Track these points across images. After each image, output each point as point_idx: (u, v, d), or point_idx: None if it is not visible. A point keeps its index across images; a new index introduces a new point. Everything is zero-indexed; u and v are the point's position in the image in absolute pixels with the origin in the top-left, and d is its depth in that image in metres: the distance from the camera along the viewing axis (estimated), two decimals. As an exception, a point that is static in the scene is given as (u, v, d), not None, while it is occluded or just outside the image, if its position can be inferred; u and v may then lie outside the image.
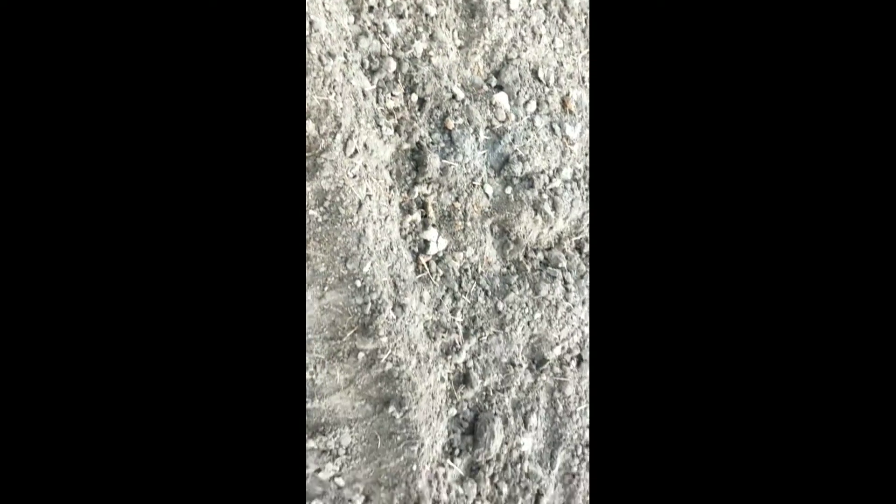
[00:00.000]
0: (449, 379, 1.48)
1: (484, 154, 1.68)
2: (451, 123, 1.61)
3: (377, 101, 1.48)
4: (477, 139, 1.65)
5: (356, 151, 1.32)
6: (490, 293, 1.67)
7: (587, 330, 1.81)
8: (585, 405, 1.70)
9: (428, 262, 1.55)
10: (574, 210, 1.87)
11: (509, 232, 1.76)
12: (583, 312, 1.81)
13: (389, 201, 1.48)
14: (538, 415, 1.61)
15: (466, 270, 1.64)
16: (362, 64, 1.45)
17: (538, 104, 1.81)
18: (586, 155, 1.91)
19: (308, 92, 1.19)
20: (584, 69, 1.99)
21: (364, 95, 1.41)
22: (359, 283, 1.28)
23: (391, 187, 1.50)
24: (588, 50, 2.02)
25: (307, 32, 1.21)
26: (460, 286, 1.61)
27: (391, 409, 1.25)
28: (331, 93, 1.23)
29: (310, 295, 1.26)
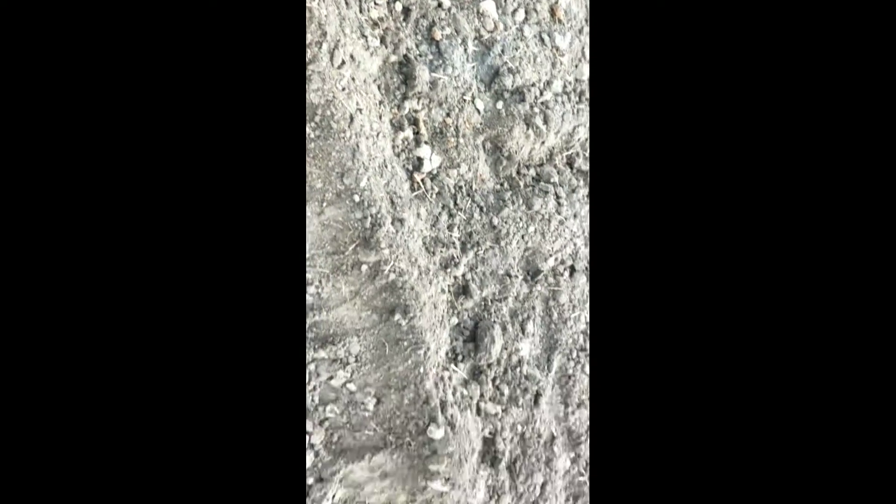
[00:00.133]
0: (449, 291, 1.53)
1: (473, 67, 1.63)
2: (438, 34, 1.55)
3: (360, 11, 1.41)
4: (465, 50, 1.60)
5: (343, 62, 1.28)
6: (485, 209, 1.69)
7: (579, 242, 1.85)
8: (579, 312, 1.78)
9: (423, 180, 1.55)
10: (565, 124, 1.86)
11: (502, 148, 1.75)
12: (574, 225, 1.85)
13: (380, 117, 1.45)
14: (534, 322, 1.68)
15: (461, 188, 1.65)
16: (343, -32, 1.38)
17: (526, 13, 1.74)
18: (576, 66, 1.88)
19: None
20: (573, -27, 1.91)
21: (347, 3, 1.34)
22: (357, 198, 1.29)
23: (381, 102, 1.47)
24: (577, -48, 1.93)
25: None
26: (456, 203, 1.63)
27: (397, 316, 1.30)
28: (314, -3, 1.17)
29: (309, 211, 1.26)
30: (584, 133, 1.93)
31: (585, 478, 1.67)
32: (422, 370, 1.31)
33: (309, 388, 1.25)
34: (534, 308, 1.70)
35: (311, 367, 1.26)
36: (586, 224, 1.89)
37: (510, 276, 1.67)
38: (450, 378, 1.41)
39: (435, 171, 1.59)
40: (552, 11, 1.82)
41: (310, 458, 1.24)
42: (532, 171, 1.83)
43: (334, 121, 1.28)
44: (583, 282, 1.82)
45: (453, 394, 1.40)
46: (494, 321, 1.58)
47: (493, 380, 1.55)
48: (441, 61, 1.55)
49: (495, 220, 1.69)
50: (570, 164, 1.93)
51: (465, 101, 1.62)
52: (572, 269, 1.81)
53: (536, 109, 1.79)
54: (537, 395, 1.62)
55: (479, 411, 1.48)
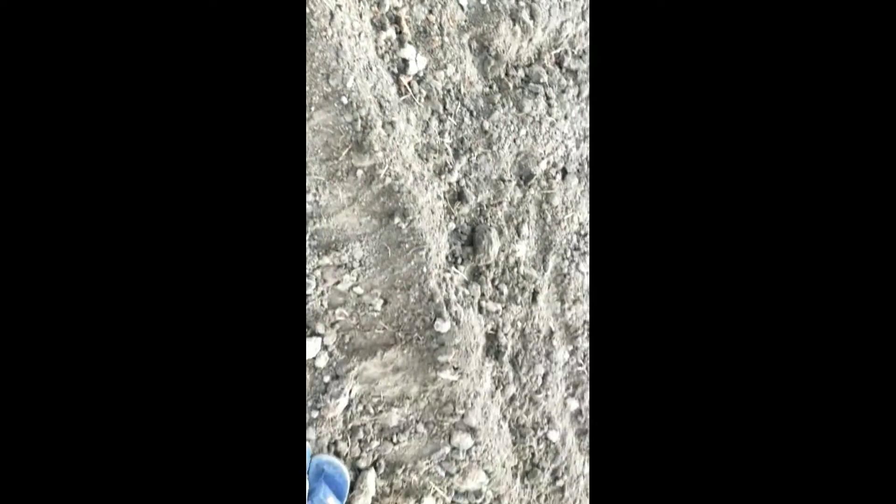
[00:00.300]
0: (444, 197, 1.53)
1: (455, -44, 1.53)
2: (415, -81, 1.44)
3: None
4: (446, -62, 1.49)
5: (318, -48, 1.19)
6: (475, 113, 1.66)
7: (570, 143, 1.84)
8: (572, 213, 1.80)
9: (410, 83, 1.50)
10: (552, 19, 1.78)
11: (489, 47, 1.69)
12: (565, 127, 1.83)
13: (360, 15, 1.38)
14: (529, 224, 1.71)
15: (449, 91, 1.61)
16: None
17: None
18: (562, -46, 1.77)
19: None
20: None
21: None
22: (345, 100, 1.25)
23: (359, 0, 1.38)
24: None
25: None
26: (445, 107, 1.59)
27: (396, 220, 1.31)
28: None
29: (298, 116, 1.23)
30: (571, 29, 1.86)
31: (584, 367, 1.78)
32: (425, 270, 1.34)
33: (317, 293, 1.28)
34: (528, 211, 1.72)
35: (317, 274, 1.28)
36: (577, 125, 1.87)
37: (504, 180, 1.68)
38: (451, 279, 1.45)
39: (421, 74, 1.54)
40: None
41: (324, 359, 1.29)
42: (521, 72, 1.78)
43: (314, 18, 1.21)
44: (575, 184, 1.83)
45: (455, 293, 1.44)
46: (491, 225, 1.60)
47: (493, 280, 1.60)
48: (420, -49, 1.45)
49: (486, 125, 1.66)
50: (559, 63, 1.87)
51: (448, -5, 1.54)
52: (564, 172, 1.82)
53: (522, 3, 1.70)
54: (535, 294, 1.68)
55: (480, 309, 1.54)
